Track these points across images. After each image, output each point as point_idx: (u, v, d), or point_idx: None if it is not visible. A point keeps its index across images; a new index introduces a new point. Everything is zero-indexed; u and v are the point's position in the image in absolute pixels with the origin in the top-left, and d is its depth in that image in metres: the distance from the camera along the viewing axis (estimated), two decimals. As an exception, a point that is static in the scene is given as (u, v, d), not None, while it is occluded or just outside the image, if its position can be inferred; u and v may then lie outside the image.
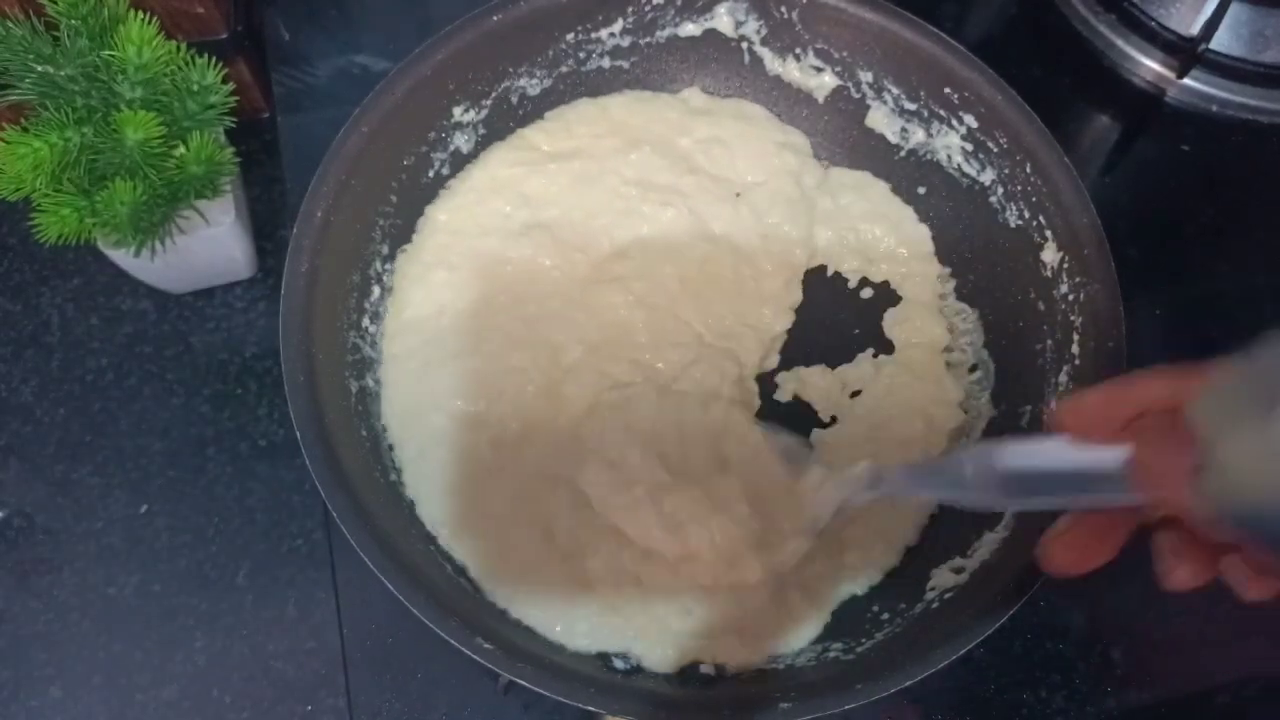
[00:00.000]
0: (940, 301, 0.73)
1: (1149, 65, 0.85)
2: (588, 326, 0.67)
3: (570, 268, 0.69)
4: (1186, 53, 0.82)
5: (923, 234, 0.74)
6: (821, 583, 0.61)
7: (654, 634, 0.58)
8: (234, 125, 0.65)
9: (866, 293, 0.74)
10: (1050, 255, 0.65)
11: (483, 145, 0.73)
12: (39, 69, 0.57)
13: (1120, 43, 0.86)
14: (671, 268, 0.70)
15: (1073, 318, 0.62)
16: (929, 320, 0.71)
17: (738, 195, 0.74)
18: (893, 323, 0.72)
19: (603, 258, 0.70)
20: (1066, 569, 0.44)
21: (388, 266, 0.67)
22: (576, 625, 0.58)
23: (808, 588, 0.61)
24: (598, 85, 0.76)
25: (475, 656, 0.49)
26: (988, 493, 0.44)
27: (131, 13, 0.58)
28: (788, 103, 0.77)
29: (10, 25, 0.56)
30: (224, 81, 0.62)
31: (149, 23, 0.58)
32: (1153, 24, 0.84)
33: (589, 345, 0.67)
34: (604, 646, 0.58)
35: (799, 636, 0.60)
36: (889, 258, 0.74)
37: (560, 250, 0.70)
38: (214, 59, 0.62)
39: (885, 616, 0.59)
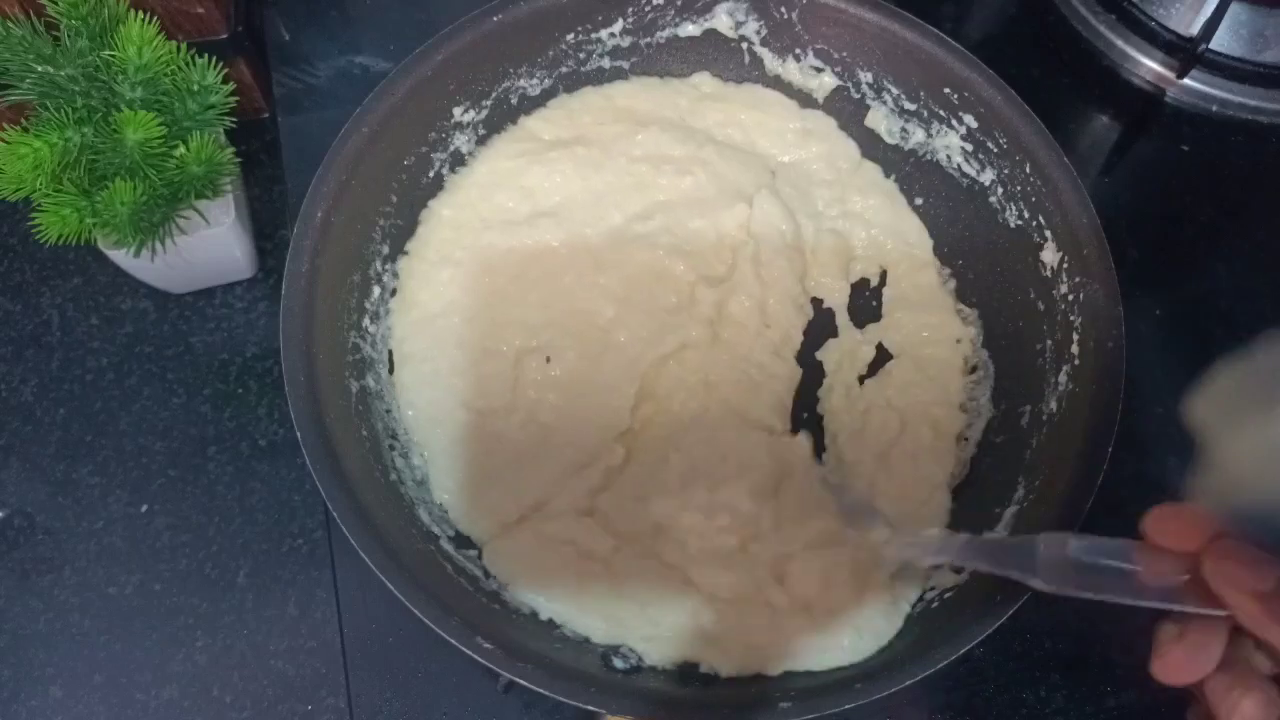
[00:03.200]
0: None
1: (1149, 65, 0.85)
2: (614, 286, 0.67)
3: (579, 242, 0.68)
4: (1186, 53, 0.82)
5: (924, 233, 0.74)
6: (835, 617, 0.59)
7: (665, 631, 0.58)
8: (234, 125, 0.65)
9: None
10: (1050, 255, 0.65)
11: (483, 144, 0.73)
12: (39, 69, 0.57)
13: (1120, 43, 0.86)
14: (705, 222, 0.68)
15: (1072, 317, 0.62)
16: (946, 316, 0.71)
17: (773, 173, 0.73)
18: (904, 319, 0.71)
19: (616, 225, 0.69)
20: (1177, 679, 0.41)
21: (388, 266, 0.67)
22: (591, 619, 0.58)
23: (822, 616, 0.59)
24: (598, 84, 0.75)
25: (475, 656, 0.49)
26: (1054, 579, 0.44)
27: (132, 13, 0.58)
28: (788, 103, 0.77)
29: (10, 25, 0.56)
30: (224, 81, 0.62)
31: (149, 23, 0.58)
32: (1153, 24, 0.84)
33: (621, 300, 0.66)
34: (616, 639, 0.58)
35: (796, 659, 0.58)
36: (892, 255, 0.73)
37: (567, 230, 0.69)
38: (214, 59, 0.62)
39: (885, 617, 0.59)
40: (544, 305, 0.67)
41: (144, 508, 0.67)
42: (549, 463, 0.62)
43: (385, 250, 0.67)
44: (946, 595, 0.57)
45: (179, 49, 0.61)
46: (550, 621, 0.58)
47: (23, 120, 0.57)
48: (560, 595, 0.59)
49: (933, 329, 0.70)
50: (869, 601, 0.58)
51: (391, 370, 0.66)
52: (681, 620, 0.58)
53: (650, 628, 0.58)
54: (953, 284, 0.73)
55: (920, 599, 0.59)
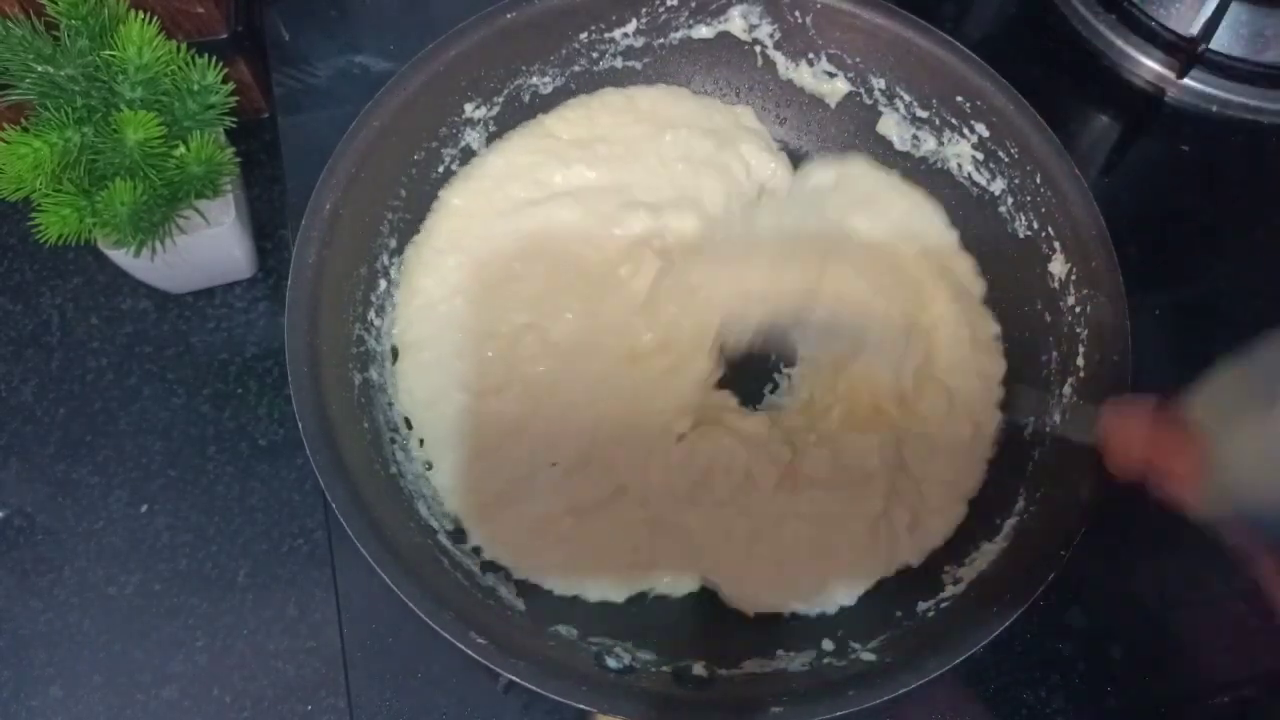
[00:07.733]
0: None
1: (1149, 65, 0.85)
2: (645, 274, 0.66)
3: (601, 219, 0.67)
4: (1186, 53, 0.82)
5: (945, 220, 0.73)
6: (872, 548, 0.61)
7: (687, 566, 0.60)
8: (234, 125, 0.65)
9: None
10: (1058, 267, 0.65)
11: (497, 140, 0.72)
12: (39, 69, 0.57)
13: (1120, 43, 0.86)
14: (770, 237, 0.68)
15: (1078, 330, 0.62)
16: (981, 312, 0.69)
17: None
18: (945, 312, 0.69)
19: (650, 210, 0.68)
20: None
21: (395, 260, 0.67)
22: (605, 579, 0.59)
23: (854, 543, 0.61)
24: (610, 84, 0.75)
25: (469, 651, 0.49)
26: None
27: (132, 13, 0.58)
28: (799, 107, 0.77)
29: (10, 25, 0.56)
30: (224, 81, 0.62)
31: (149, 23, 0.58)
32: (1153, 24, 0.84)
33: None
34: (637, 587, 0.59)
35: (829, 598, 0.60)
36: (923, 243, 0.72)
37: (585, 205, 0.68)
38: (214, 59, 0.62)
39: (881, 624, 0.59)
40: (550, 273, 0.66)
41: (144, 508, 0.67)
42: (534, 431, 0.62)
43: (393, 244, 0.67)
44: (943, 605, 0.57)
45: (179, 49, 0.61)
46: (543, 619, 0.58)
47: (23, 120, 0.57)
48: (559, 568, 0.59)
49: (970, 323, 0.69)
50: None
51: (395, 362, 0.65)
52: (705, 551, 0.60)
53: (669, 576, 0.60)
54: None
55: (914, 611, 0.58)
